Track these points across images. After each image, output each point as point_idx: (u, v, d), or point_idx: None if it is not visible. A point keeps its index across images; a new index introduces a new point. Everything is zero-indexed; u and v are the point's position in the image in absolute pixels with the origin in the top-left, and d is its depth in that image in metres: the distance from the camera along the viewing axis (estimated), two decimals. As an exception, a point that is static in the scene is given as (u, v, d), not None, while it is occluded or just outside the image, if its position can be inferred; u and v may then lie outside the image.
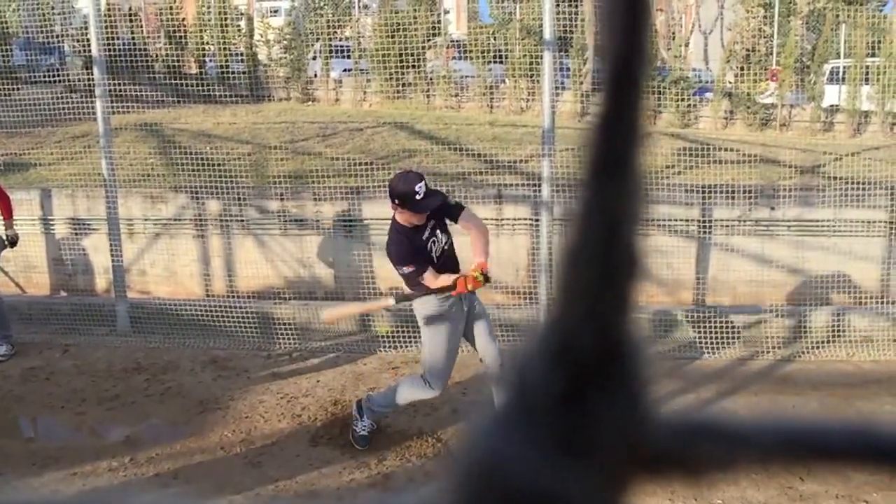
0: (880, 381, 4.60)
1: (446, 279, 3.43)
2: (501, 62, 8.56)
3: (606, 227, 0.26)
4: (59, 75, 6.13)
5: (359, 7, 9.99)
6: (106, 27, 5.55)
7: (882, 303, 5.41)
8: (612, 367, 0.26)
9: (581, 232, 0.26)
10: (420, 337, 3.75)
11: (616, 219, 0.26)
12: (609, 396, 0.26)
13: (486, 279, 3.39)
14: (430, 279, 3.41)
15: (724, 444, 0.26)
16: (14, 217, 5.36)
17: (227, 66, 7.88)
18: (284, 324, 5.43)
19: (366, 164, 6.00)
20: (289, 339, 5.31)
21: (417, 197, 3.29)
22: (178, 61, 7.78)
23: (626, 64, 0.25)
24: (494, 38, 8.82)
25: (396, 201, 3.34)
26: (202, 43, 8.17)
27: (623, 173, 0.26)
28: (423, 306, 3.55)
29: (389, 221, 3.53)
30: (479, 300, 3.74)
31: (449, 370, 3.67)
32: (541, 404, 0.26)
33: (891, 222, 5.59)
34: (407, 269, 3.40)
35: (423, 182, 3.35)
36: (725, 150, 6.63)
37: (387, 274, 5.69)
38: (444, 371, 3.63)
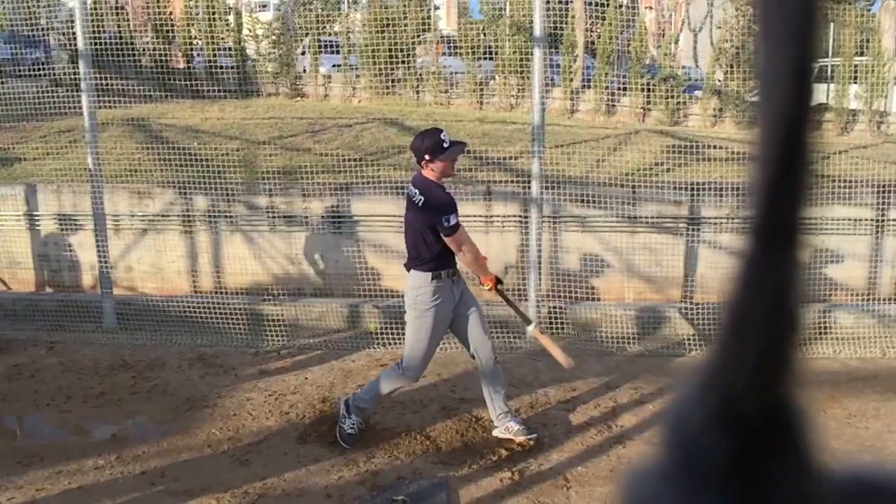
0: (866, 378, 4.63)
1: (484, 262, 3.63)
2: (491, 58, 8.54)
3: (773, 292, 0.25)
4: (44, 69, 6.06)
5: (348, 2, 9.94)
6: (92, 21, 5.50)
7: (868, 300, 5.45)
8: (779, 432, 0.25)
9: (746, 296, 0.25)
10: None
11: (782, 284, 0.25)
12: (779, 463, 0.25)
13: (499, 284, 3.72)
14: (475, 250, 3.55)
15: None
16: (-2, 213, 5.31)
17: (215, 61, 7.82)
18: (272, 321, 5.41)
19: (355, 160, 5.97)
20: (277, 336, 5.29)
21: (445, 145, 3.47)
22: (165, 56, 7.70)
23: (795, 127, 0.25)
24: (484, 35, 8.78)
25: (427, 156, 3.45)
26: (190, 37, 8.09)
27: (790, 239, 0.25)
28: (414, 290, 3.53)
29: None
30: (468, 289, 3.71)
31: (428, 359, 3.64)
32: (709, 471, 0.25)
33: (877, 220, 5.63)
34: (454, 219, 3.44)
35: (445, 132, 3.55)
36: (714, 147, 6.65)
37: (376, 271, 5.67)
38: (424, 360, 3.61)
